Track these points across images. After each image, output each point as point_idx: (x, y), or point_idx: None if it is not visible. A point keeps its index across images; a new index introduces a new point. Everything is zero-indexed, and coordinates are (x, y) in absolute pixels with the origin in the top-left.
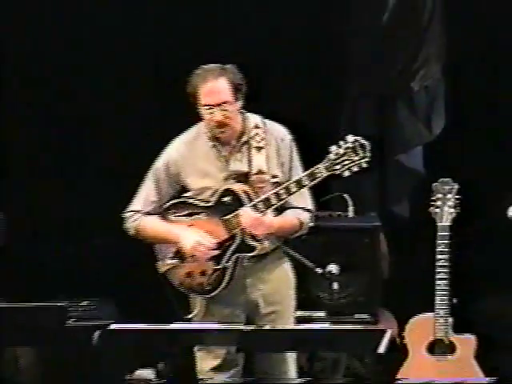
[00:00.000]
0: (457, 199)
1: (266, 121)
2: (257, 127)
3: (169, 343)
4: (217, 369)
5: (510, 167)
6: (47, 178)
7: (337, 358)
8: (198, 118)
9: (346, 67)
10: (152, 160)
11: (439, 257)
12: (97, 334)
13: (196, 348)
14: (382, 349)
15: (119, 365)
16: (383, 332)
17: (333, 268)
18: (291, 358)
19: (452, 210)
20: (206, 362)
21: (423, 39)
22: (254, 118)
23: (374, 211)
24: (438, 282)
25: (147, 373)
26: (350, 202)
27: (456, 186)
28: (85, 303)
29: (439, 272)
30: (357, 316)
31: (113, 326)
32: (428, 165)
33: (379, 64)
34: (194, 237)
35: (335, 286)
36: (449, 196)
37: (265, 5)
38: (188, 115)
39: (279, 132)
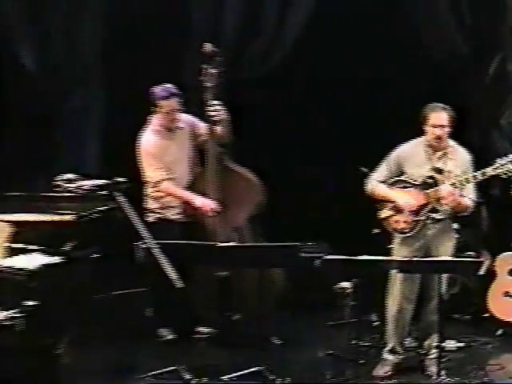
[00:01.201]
0: None
1: (455, 144)
2: (451, 146)
3: (360, 267)
4: (402, 282)
5: None
6: (288, 143)
7: (455, 277)
8: (420, 132)
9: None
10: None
11: None
12: (317, 261)
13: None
14: (481, 272)
15: (329, 279)
16: (482, 262)
17: (455, 225)
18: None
19: None
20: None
21: (508, 94)
22: (450, 140)
23: (479, 193)
24: None
25: (345, 284)
26: None
27: None
28: (310, 243)
29: None
30: (467, 253)
31: (326, 257)
32: None
33: (486, 108)
34: (406, 197)
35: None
36: None
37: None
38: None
39: (463, 152)
